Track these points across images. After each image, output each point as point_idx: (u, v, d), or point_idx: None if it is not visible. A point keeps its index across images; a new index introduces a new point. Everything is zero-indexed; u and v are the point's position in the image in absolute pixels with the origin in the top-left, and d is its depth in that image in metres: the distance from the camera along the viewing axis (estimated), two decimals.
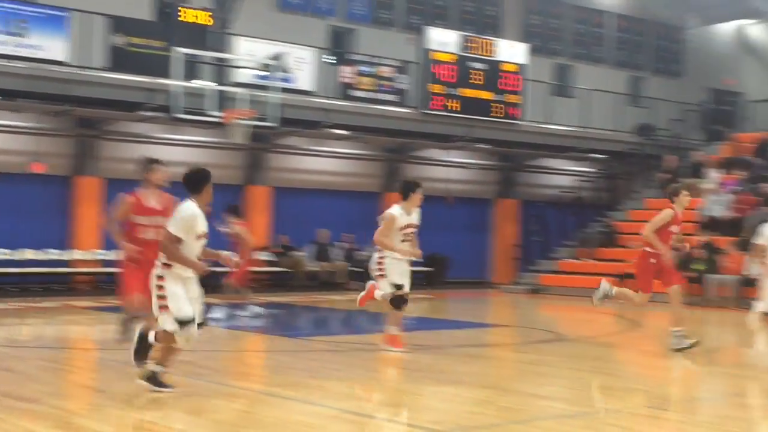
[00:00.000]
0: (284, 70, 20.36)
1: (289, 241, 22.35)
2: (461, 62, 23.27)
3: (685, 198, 11.66)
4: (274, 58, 19.92)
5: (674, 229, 11.53)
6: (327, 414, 7.61)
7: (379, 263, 10.86)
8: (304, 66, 21.25)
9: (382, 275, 10.84)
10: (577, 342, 13.33)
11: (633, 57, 28.90)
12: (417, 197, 10.90)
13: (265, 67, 19.62)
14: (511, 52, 24.17)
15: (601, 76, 27.42)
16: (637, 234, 22.61)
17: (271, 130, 20.27)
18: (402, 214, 10.82)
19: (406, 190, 10.96)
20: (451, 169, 25.65)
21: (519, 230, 26.38)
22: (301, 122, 21.28)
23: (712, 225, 21.65)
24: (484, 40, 23.87)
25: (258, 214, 22.35)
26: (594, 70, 27.66)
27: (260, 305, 15.88)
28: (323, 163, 23.78)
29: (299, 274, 22.10)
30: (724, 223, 21.63)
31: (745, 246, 19.90)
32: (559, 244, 25.04)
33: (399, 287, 10.83)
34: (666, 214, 11.47)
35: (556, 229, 26.14)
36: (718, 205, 22.04)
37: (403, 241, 10.77)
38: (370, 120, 22.32)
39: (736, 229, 21.16)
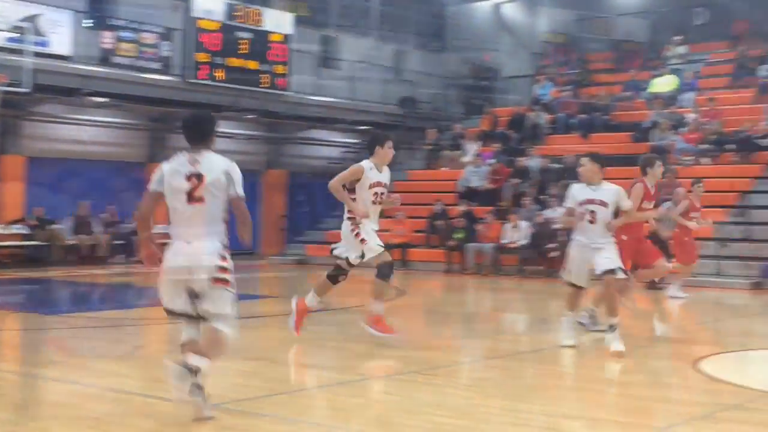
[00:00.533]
0: (38, 34, 19.33)
1: (45, 213, 21.30)
2: (228, 31, 22.95)
3: (659, 170, 10.67)
4: (27, 20, 18.87)
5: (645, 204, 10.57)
6: (87, 393, 7.33)
7: (355, 230, 9.44)
8: (60, 29, 20.23)
9: (364, 240, 9.41)
10: (344, 311, 13.54)
11: (397, 31, 29.49)
12: (388, 152, 9.66)
13: (17, 29, 18.55)
14: (277, 22, 24.09)
15: (367, 48, 27.83)
16: (401, 204, 23.33)
17: (25, 97, 19.22)
18: (372, 169, 9.54)
19: (374, 143, 9.64)
20: (219, 139, 25.27)
21: (286, 201, 26.43)
22: (58, 89, 20.29)
23: (470, 195, 22.57)
24: (251, 9, 23.63)
25: (11, 185, 21.16)
26: (360, 42, 28.02)
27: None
28: (82, 131, 22.79)
29: (56, 248, 21.12)
30: (482, 193, 22.60)
31: (502, 215, 20.94)
32: (327, 215, 25.31)
33: (383, 247, 9.42)
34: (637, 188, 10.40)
35: (323, 200, 26.37)
36: (476, 176, 23.00)
37: (373, 202, 9.54)
38: (133, 88, 21.61)
39: (493, 198, 22.19)
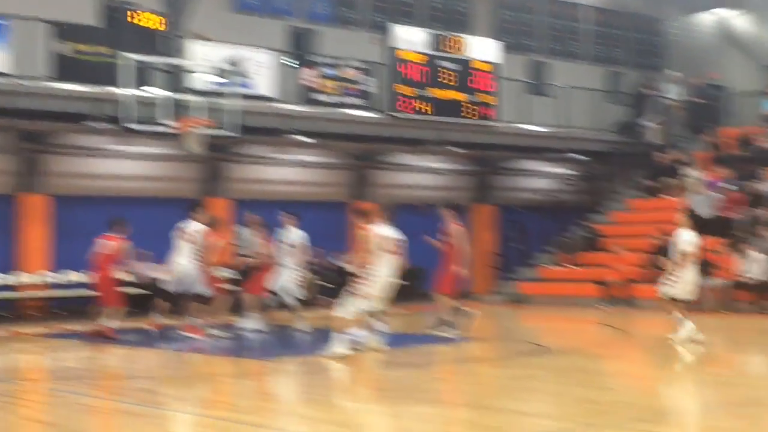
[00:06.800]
0: (242, 75, 20.23)
1: None
2: (430, 61, 23.23)
3: None
4: (231, 63, 19.79)
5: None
6: None
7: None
8: (263, 70, 21.12)
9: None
10: (564, 354, 13.31)
11: (611, 51, 29.05)
12: None
13: (222, 72, 19.48)
14: (482, 49, 24.19)
15: (578, 72, 27.51)
16: (621, 237, 22.83)
17: (230, 139, 20.14)
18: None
19: None
20: (422, 174, 25.61)
21: (497, 237, 26.37)
22: (262, 130, 21.15)
23: (697, 225, 21.72)
24: (454, 38, 23.86)
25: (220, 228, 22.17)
26: (570, 66, 27.73)
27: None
28: (287, 172, 23.66)
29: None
30: (711, 222, 21.73)
31: (735, 246, 20.04)
32: (540, 250, 25.07)
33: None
34: None
35: (535, 235, 26.16)
36: (703, 204, 22.13)
37: None
38: (336, 125, 22.21)
39: (723, 228, 21.27)
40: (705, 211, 22.04)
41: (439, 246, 15.16)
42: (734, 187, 22.45)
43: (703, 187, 22.65)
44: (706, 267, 19.94)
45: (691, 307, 14.15)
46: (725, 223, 21.47)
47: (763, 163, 23.31)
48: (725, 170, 23.36)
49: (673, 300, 13.96)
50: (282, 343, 15.25)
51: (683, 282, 13.97)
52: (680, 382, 11.02)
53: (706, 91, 27.54)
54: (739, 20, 30.64)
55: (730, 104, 27.84)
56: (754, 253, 19.20)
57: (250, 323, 16.06)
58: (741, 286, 19.11)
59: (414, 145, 23.97)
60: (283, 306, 16.23)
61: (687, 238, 14.04)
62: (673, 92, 27.21)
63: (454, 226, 15.25)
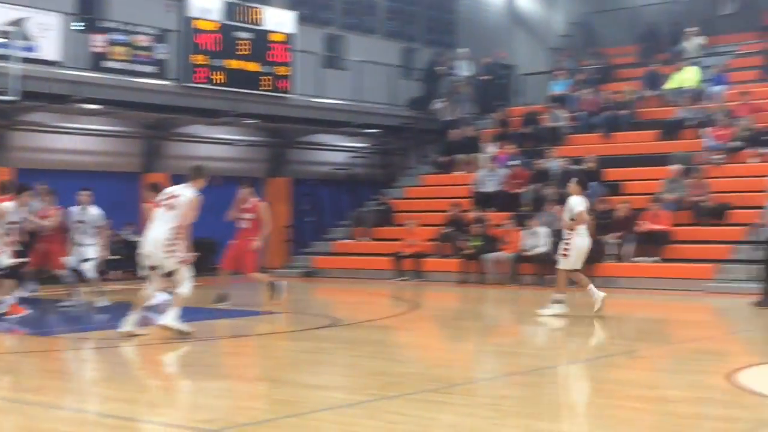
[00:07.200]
0: (25, 38, 19.35)
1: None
2: (226, 31, 22.90)
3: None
4: (14, 24, 18.89)
5: None
6: (83, 419, 7.26)
7: None
8: (48, 33, 20.22)
9: None
10: (356, 327, 13.45)
11: (405, 27, 29.43)
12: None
13: (3, 34, 18.57)
14: (278, 20, 24.04)
15: (373, 47, 27.77)
16: (414, 212, 23.28)
17: (12, 105, 19.24)
18: None
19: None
20: (217, 146, 25.25)
21: (291, 210, 26.36)
22: (47, 96, 20.29)
23: (485, 200, 22.46)
24: (250, 8, 23.59)
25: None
26: (366, 41, 27.96)
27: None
28: (74, 141, 22.78)
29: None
30: (498, 197, 22.49)
31: (522, 221, 20.82)
32: (334, 224, 25.26)
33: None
34: None
35: (330, 209, 26.32)
36: (491, 180, 22.90)
37: None
38: (126, 93, 21.54)
39: (512, 204, 22.07)
40: (491, 186, 22.81)
41: (242, 224, 15.05)
42: (520, 164, 23.32)
43: (491, 163, 23.40)
44: (491, 241, 20.69)
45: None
46: (511, 198, 22.26)
47: (548, 141, 24.30)
48: (512, 147, 24.21)
49: (573, 270, 13.72)
50: (71, 318, 14.71)
51: (574, 249, 13.69)
52: (469, 353, 11.33)
53: (495, 69, 28.39)
54: (526, 1, 31.74)
55: (518, 83, 28.84)
56: (537, 228, 19.98)
57: (24, 292, 15.53)
58: (524, 259, 19.86)
59: (208, 116, 23.60)
60: (81, 280, 15.70)
61: (572, 205, 13.70)
62: (464, 70, 27.91)
63: (256, 203, 15.21)
